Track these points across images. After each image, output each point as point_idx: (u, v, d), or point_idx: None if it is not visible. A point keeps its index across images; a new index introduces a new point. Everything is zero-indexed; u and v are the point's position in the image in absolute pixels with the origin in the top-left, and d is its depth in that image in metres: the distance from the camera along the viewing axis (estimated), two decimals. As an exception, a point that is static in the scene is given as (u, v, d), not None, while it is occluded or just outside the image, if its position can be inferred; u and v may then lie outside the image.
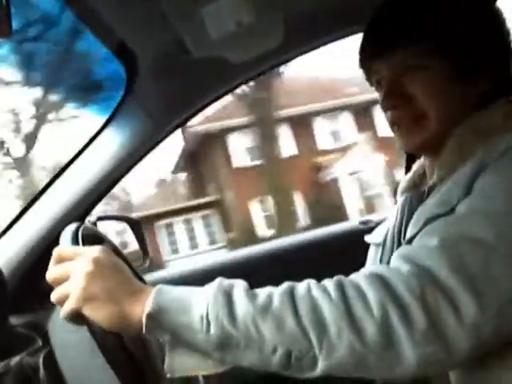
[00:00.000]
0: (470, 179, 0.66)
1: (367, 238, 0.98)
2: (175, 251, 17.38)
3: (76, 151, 1.28)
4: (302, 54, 1.25)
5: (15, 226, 1.28)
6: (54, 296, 0.63)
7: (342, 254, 1.04)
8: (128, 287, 0.62)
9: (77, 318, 0.61)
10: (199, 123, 15.19)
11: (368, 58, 0.84)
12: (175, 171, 20.82)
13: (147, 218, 16.32)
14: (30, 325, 1.14)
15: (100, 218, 1.04)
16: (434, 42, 0.77)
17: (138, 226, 1.14)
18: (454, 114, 0.78)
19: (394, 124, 0.83)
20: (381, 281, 0.57)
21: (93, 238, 0.83)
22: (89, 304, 0.60)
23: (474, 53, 0.77)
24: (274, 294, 0.59)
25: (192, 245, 17.62)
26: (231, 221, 16.44)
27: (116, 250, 0.90)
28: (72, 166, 1.28)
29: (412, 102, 0.79)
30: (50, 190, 1.28)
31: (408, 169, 0.96)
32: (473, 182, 0.65)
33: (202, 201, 17.77)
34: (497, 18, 0.80)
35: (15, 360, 0.86)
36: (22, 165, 13.22)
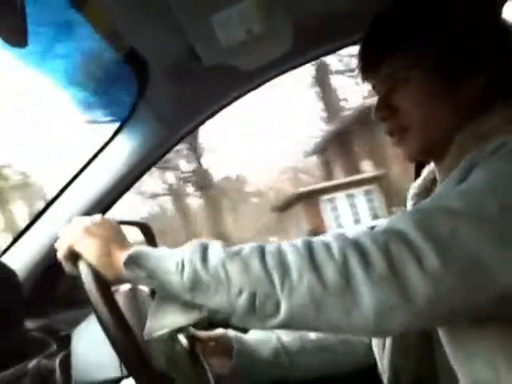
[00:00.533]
0: (460, 178, 0.67)
1: None
2: (339, 226, 17.71)
3: (89, 156, 1.30)
4: (311, 60, 1.26)
5: (30, 231, 1.30)
6: (58, 244, 0.79)
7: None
8: (119, 239, 0.74)
9: (70, 256, 0.75)
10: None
11: (362, 73, 0.88)
12: (309, 155, 21.21)
13: (312, 193, 16.41)
14: (45, 328, 1.16)
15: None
16: (412, 56, 0.79)
17: (150, 232, 1.16)
18: (443, 122, 0.79)
19: (388, 134, 0.86)
20: (349, 238, 0.60)
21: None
22: (82, 242, 0.73)
23: (457, 62, 0.77)
24: (246, 247, 0.64)
25: (355, 219, 17.96)
26: (394, 196, 16.35)
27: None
28: (85, 171, 1.30)
29: (398, 114, 0.82)
30: (64, 194, 1.30)
31: (418, 175, 0.96)
32: (463, 181, 0.66)
33: (364, 176, 17.89)
34: (481, 23, 0.79)
35: (32, 363, 0.88)
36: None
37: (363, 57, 0.87)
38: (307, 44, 1.16)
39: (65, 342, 1.02)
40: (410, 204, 0.90)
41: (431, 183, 0.91)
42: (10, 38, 0.78)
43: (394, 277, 0.55)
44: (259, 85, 1.28)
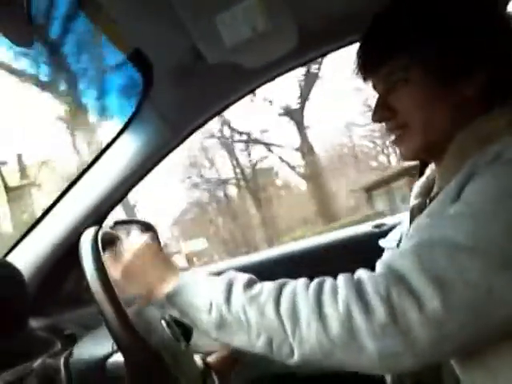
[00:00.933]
0: (459, 187, 0.67)
1: (381, 243, 0.98)
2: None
3: (93, 156, 1.31)
4: (315, 57, 1.25)
5: (34, 231, 1.30)
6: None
7: (355, 257, 1.04)
8: (159, 271, 0.79)
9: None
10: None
11: (362, 73, 0.88)
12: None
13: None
14: (50, 328, 1.16)
15: (117, 223, 1.06)
16: (411, 56, 0.79)
17: (153, 230, 1.16)
18: (442, 122, 0.79)
19: (387, 133, 0.86)
20: (355, 282, 0.62)
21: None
22: (130, 279, 0.79)
23: (456, 62, 0.77)
24: (265, 286, 0.69)
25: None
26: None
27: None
28: (90, 171, 1.30)
29: (396, 114, 0.82)
30: (68, 194, 1.31)
31: (421, 173, 0.96)
32: (462, 190, 0.66)
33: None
34: (481, 23, 0.78)
35: (38, 362, 0.88)
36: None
37: (362, 56, 0.86)
38: (311, 42, 1.16)
39: (69, 341, 1.03)
40: (413, 202, 0.90)
41: (434, 183, 0.91)
42: (16, 38, 0.79)
43: (395, 324, 0.57)
44: (263, 83, 1.28)
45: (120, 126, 1.28)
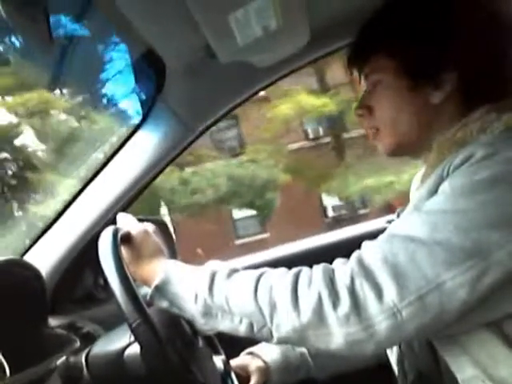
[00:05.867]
0: (434, 186, 0.72)
1: None
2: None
3: (108, 155, 1.32)
4: (326, 55, 1.26)
5: (51, 229, 1.32)
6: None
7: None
8: (148, 261, 0.85)
9: None
10: None
11: (351, 70, 0.94)
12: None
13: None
14: (69, 326, 1.18)
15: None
16: (386, 59, 0.84)
17: (166, 228, 1.17)
18: (414, 124, 0.84)
19: (369, 128, 0.91)
20: (329, 272, 0.67)
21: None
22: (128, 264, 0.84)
23: (425, 64, 0.80)
24: (245, 276, 0.75)
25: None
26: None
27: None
28: (105, 169, 1.31)
29: (371, 114, 0.88)
30: (83, 193, 1.32)
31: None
32: (436, 189, 0.71)
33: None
34: (453, 29, 0.79)
35: (61, 360, 0.89)
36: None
37: (350, 56, 0.92)
38: (323, 39, 1.16)
39: (88, 339, 1.04)
40: (412, 195, 0.91)
41: None
42: (35, 37, 0.80)
43: (357, 314, 0.62)
44: (274, 81, 1.28)
45: (134, 125, 1.29)
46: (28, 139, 11.09)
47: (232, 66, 1.10)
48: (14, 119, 10.90)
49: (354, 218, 12.91)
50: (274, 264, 0.83)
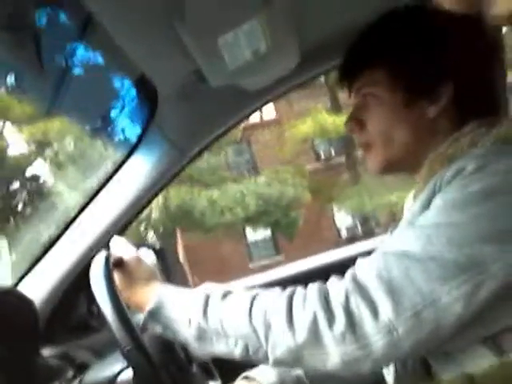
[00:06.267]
0: (426, 202, 0.71)
1: None
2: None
3: (102, 181, 1.31)
4: (317, 76, 1.27)
5: (44, 259, 1.30)
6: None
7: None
8: (141, 286, 0.84)
9: None
10: None
11: (342, 85, 0.93)
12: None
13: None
14: (62, 356, 1.16)
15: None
16: (381, 73, 0.83)
17: (163, 254, 1.17)
18: (409, 138, 0.83)
19: (358, 146, 0.91)
20: (323, 291, 0.67)
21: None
22: (121, 290, 0.84)
23: (421, 79, 0.80)
24: (239, 298, 0.74)
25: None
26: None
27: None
28: (98, 196, 1.31)
29: (364, 128, 0.87)
30: (77, 220, 1.31)
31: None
32: (428, 204, 0.70)
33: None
34: (455, 40, 0.80)
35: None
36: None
37: (341, 68, 0.91)
38: (313, 61, 1.17)
39: (81, 369, 1.02)
40: (405, 214, 0.91)
41: None
42: (26, 63, 0.80)
43: (353, 332, 0.62)
44: (267, 102, 1.29)
45: (127, 151, 1.29)
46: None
47: (223, 90, 1.11)
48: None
49: (369, 237, 12.98)
50: (287, 281, 0.82)
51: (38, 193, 11.17)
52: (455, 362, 0.69)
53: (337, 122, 12.54)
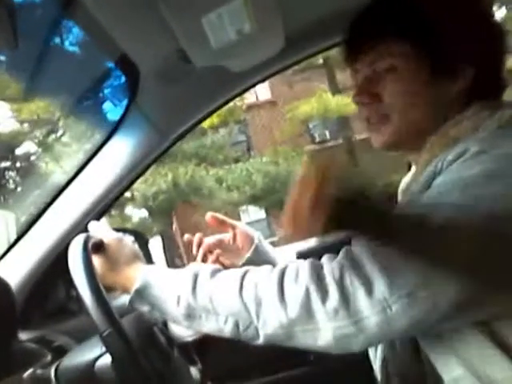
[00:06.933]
0: (427, 183, 0.70)
1: None
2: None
3: (82, 162, 1.29)
4: (302, 59, 1.25)
5: (21, 241, 1.28)
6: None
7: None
8: (126, 266, 0.84)
9: None
10: None
11: (348, 58, 0.87)
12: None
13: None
14: (39, 339, 1.14)
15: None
16: (404, 43, 0.79)
17: (144, 240, 1.16)
18: (425, 115, 0.80)
19: (363, 120, 0.87)
20: (316, 266, 0.66)
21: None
22: (103, 273, 0.83)
23: (447, 55, 0.78)
24: (229, 274, 0.73)
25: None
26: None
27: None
28: (78, 178, 1.28)
29: (379, 101, 0.82)
30: (56, 202, 1.29)
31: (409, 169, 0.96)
32: (429, 185, 0.69)
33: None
34: (477, 19, 0.80)
35: (28, 373, 0.86)
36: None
37: (351, 40, 0.86)
38: (298, 44, 1.16)
39: (59, 352, 1.01)
40: (400, 199, 0.90)
41: None
42: (1, 42, 0.77)
43: (346, 308, 0.61)
44: (251, 86, 1.27)
45: (108, 132, 1.26)
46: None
47: (207, 71, 1.09)
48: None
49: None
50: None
51: (27, 172, 11.12)
52: (447, 345, 0.69)
53: (340, 102, 12.54)
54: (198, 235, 1.03)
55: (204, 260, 1.02)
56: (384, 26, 0.80)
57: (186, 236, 1.04)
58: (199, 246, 1.03)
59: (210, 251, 1.03)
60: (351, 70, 0.88)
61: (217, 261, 1.02)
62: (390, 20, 0.80)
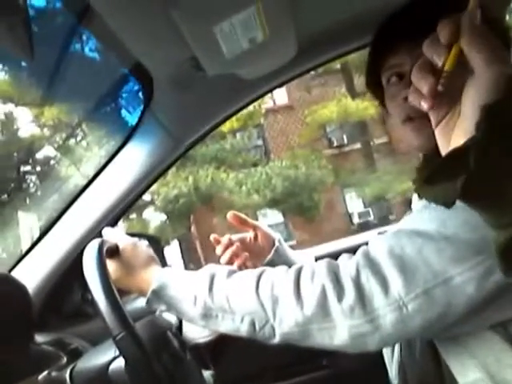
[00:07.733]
0: None
1: None
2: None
3: (96, 169, 1.31)
4: (315, 67, 1.26)
5: (39, 245, 1.30)
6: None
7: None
8: (143, 268, 0.85)
9: None
10: None
11: (388, 51, 0.82)
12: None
13: None
14: (55, 342, 1.16)
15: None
16: None
17: (158, 245, 1.17)
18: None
19: (409, 118, 0.80)
20: (333, 266, 0.67)
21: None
22: (120, 277, 0.85)
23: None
24: (245, 274, 0.74)
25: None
26: None
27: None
28: (93, 184, 1.30)
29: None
30: (71, 208, 1.31)
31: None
32: None
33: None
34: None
35: (43, 375, 0.88)
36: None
37: (396, 33, 0.80)
38: (311, 51, 1.16)
39: (74, 355, 1.02)
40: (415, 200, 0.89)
41: None
42: (16, 51, 0.79)
43: (362, 306, 0.62)
44: (264, 93, 1.28)
45: (123, 139, 1.28)
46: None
47: (220, 79, 1.10)
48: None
49: (382, 224, 12.94)
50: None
51: (46, 175, 11.32)
52: (464, 347, 0.68)
53: (360, 106, 12.62)
54: (227, 236, 1.03)
55: (229, 263, 1.00)
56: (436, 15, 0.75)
57: (213, 235, 1.03)
58: (227, 247, 1.01)
59: (236, 255, 1.00)
60: (381, 66, 0.84)
61: (243, 264, 1.00)
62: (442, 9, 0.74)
